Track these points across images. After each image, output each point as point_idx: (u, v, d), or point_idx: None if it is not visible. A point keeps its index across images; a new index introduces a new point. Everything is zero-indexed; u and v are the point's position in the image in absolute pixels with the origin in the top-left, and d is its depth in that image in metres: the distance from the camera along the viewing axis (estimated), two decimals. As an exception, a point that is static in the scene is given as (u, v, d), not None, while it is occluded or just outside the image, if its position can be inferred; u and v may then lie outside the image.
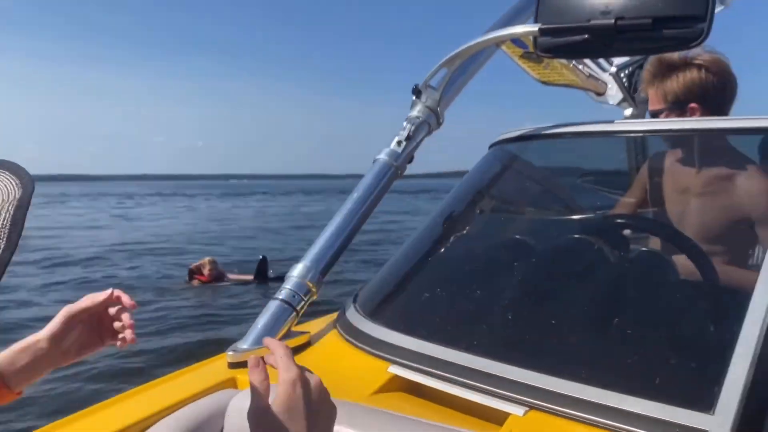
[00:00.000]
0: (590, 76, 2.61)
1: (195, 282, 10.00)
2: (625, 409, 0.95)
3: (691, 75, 1.70)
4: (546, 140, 1.74)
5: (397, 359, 1.22)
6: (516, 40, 2.37)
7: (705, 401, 0.91)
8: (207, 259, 10.31)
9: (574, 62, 2.49)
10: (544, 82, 2.58)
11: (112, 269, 12.55)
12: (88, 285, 10.45)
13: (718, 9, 2.58)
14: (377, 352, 1.27)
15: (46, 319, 0.94)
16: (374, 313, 1.41)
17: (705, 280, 1.37)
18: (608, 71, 2.59)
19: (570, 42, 1.47)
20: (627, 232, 1.78)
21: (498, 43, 1.90)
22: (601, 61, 2.64)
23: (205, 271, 9.99)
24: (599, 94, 2.66)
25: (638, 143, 2.32)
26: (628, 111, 2.60)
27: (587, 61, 2.57)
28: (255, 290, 9.92)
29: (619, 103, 2.63)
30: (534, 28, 1.49)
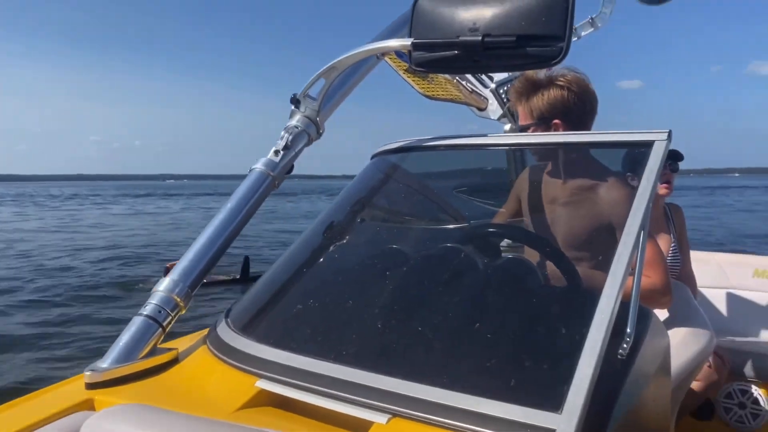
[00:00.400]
0: (473, 91, 2.71)
1: None
2: (481, 412, 0.97)
3: (554, 93, 1.81)
4: (424, 152, 1.78)
5: (265, 373, 1.20)
6: (401, 54, 2.43)
7: (554, 401, 0.94)
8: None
9: (457, 78, 2.58)
10: (428, 96, 2.65)
11: (82, 271, 12.69)
12: (63, 286, 10.78)
13: (588, 31, 2.77)
14: (245, 367, 1.24)
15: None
16: (246, 328, 1.37)
17: (568, 284, 1.45)
18: (489, 87, 2.70)
19: (441, 57, 1.51)
20: (507, 241, 1.85)
21: (378, 55, 1.93)
22: (483, 77, 2.75)
23: None
24: (481, 109, 2.77)
25: (517, 156, 2.43)
26: (508, 126, 2.73)
27: (469, 76, 2.66)
28: (236, 289, 10.16)
29: (499, 118, 2.75)
30: (407, 42, 1.52)
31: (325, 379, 1.12)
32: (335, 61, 1.64)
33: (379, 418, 1.03)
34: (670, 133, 1.40)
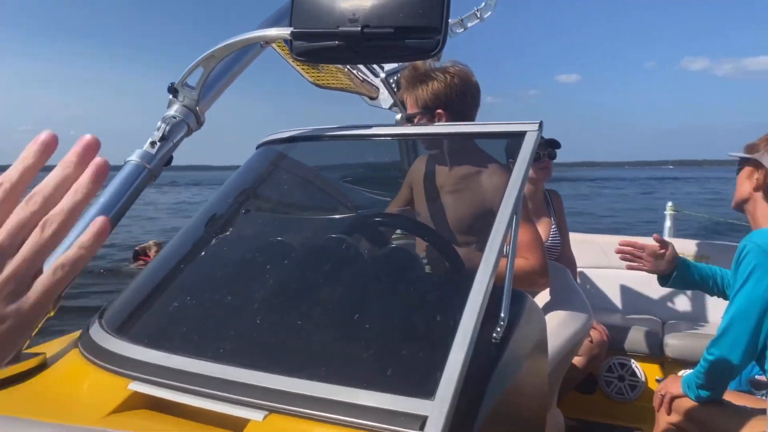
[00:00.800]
0: (364, 80, 2.71)
1: (140, 263, 10.06)
2: (356, 402, 0.98)
3: (438, 84, 1.86)
4: (313, 142, 1.76)
5: (139, 375, 1.15)
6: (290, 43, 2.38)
7: (427, 388, 0.96)
8: (152, 241, 10.59)
9: (348, 66, 2.56)
10: (318, 85, 2.62)
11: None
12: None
13: (473, 23, 2.83)
14: (118, 369, 1.18)
15: None
16: (120, 328, 1.31)
17: (450, 270, 1.49)
18: (379, 76, 2.71)
19: (322, 47, 1.50)
20: (400, 231, 1.88)
21: (262, 43, 1.88)
22: (374, 66, 2.75)
23: (151, 254, 10.14)
24: (372, 98, 2.78)
25: (409, 146, 2.46)
26: (399, 115, 2.75)
27: (360, 65, 2.66)
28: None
29: (390, 107, 2.77)
30: (286, 31, 1.50)
31: (200, 378, 1.09)
32: (213, 49, 1.58)
33: (255, 415, 1.01)
34: (540, 124, 1.46)
